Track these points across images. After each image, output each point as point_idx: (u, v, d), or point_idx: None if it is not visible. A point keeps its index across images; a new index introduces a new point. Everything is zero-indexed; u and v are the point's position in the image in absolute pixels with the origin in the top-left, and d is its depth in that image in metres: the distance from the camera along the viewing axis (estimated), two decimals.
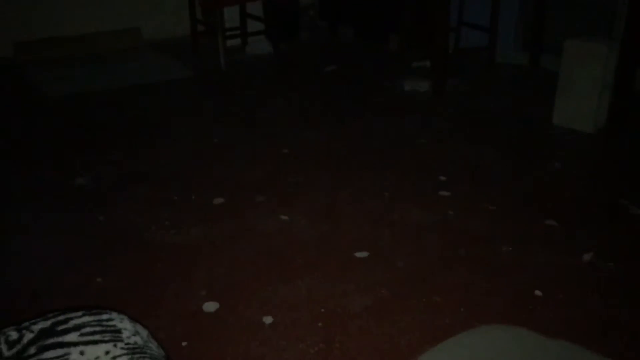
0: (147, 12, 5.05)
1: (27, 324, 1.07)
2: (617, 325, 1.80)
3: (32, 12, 4.59)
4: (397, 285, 1.99)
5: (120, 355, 1.01)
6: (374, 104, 3.79)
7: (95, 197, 2.60)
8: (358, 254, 2.17)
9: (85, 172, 2.80)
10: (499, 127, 3.38)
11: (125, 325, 1.10)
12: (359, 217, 2.44)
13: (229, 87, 4.17)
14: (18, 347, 1.01)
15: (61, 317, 1.08)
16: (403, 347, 1.71)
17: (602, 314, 1.85)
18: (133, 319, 1.16)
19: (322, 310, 1.87)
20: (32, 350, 1.00)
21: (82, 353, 1.00)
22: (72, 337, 1.03)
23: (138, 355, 1.03)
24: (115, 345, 1.03)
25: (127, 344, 1.04)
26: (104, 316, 1.11)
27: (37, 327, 1.05)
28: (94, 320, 1.08)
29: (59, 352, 1.00)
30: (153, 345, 1.13)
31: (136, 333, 1.10)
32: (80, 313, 1.10)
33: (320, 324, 1.81)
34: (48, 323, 1.06)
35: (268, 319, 1.83)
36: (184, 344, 1.73)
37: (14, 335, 1.04)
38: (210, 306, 1.90)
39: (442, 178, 2.74)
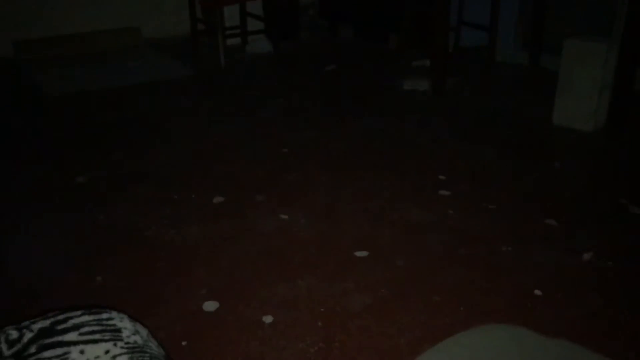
0: (147, 11, 5.05)
1: (27, 323, 1.07)
2: (617, 325, 1.80)
3: (31, 11, 4.59)
4: (396, 284, 2.00)
5: (120, 355, 1.01)
6: (374, 103, 3.79)
7: (95, 196, 2.60)
8: (358, 253, 2.17)
9: (85, 171, 2.80)
10: (498, 127, 3.38)
11: (125, 324, 1.10)
12: (359, 216, 2.44)
13: (229, 87, 4.17)
14: (18, 346, 1.01)
15: (61, 317, 1.08)
16: (403, 346, 1.71)
17: (601, 313, 1.86)
18: (133, 318, 1.16)
19: (322, 309, 1.87)
20: (32, 349, 1.00)
21: (82, 352, 1.00)
22: (71, 336, 1.03)
23: (138, 355, 1.03)
24: (115, 345, 1.03)
25: (127, 343, 1.04)
26: (104, 315, 1.11)
27: (37, 326, 1.05)
28: (94, 320, 1.08)
29: (59, 351, 1.00)
30: (153, 345, 1.13)
31: (136, 332, 1.10)
32: (79, 312, 1.10)
33: (320, 323, 1.81)
34: (48, 322, 1.06)
35: (268, 318, 1.83)
36: (183, 343, 1.73)
37: (14, 334, 1.04)
38: (210, 305, 1.90)
39: (442, 177, 2.74)
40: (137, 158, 2.99)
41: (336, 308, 1.88)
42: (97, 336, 1.04)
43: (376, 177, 2.76)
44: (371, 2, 5.09)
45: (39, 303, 1.88)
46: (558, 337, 1.73)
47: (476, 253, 2.17)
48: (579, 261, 2.11)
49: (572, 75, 3.23)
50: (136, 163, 2.93)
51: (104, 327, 1.07)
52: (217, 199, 2.56)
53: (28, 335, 1.03)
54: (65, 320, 1.07)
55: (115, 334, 1.06)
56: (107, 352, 1.01)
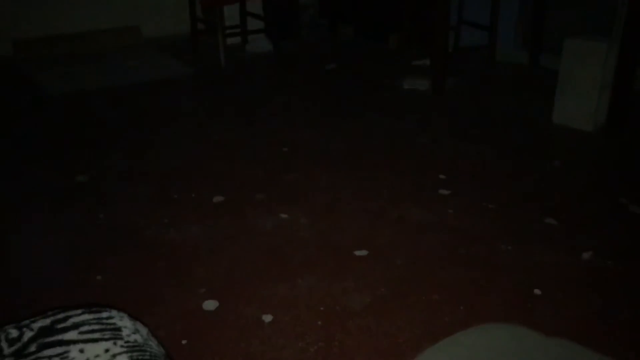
0: (147, 11, 5.06)
1: (27, 322, 1.07)
2: (617, 324, 1.80)
3: (31, 10, 4.59)
4: (396, 283, 2.00)
5: (120, 353, 1.01)
6: (374, 102, 3.79)
7: (95, 195, 2.60)
8: (357, 253, 2.17)
9: (85, 170, 2.81)
10: (498, 126, 3.38)
11: (125, 323, 1.10)
12: (359, 215, 2.44)
13: (229, 86, 4.17)
14: (18, 344, 1.01)
15: (61, 315, 1.08)
16: (402, 345, 1.72)
17: (601, 312, 1.86)
18: (133, 317, 1.16)
19: (322, 308, 1.87)
20: (32, 348, 1.00)
21: (81, 351, 1.00)
22: (71, 335, 1.03)
23: (138, 353, 1.03)
24: (115, 344, 1.03)
25: (127, 342, 1.04)
26: (104, 314, 1.11)
27: (37, 325, 1.05)
28: (94, 319, 1.08)
29: (59, 350, 1.00)
30: (153, 344, 1.13)
31: (136, 331, 1.10)
32: (79, 311, 1.10)
33: (319, 322, 1.81)
34: (48, 321, 1.06)
35: (268, 317, 1.83)
36: (183, 342, 1.73)
37: (14, 333, 1.04)
38: (210, 304, 1.90)
39: (442, 177, 2.74)
40: (137, 157, 2.99)
41: (336, 307, 1.88)
42: (97, 335, 1.04)
43: (376, 176, 2.76)
44: (371, 2, 5.09)
45: (39, 302, 1.88)
46: (557, 336, 1.73)
47: (476, 252, 2.17)
48: (578, 260, 2.11)
49: (572, 75, 3.23)
50: (136, 162, 2.93)
51: (104, 326, 1.07)
52: (217, 198, 2.56)
53: (28, 334, 1.03)
54: (65, 319, 1.07)
55: (115, 332, 1.06)
56: (107, 350, 1.01)
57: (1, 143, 3.20)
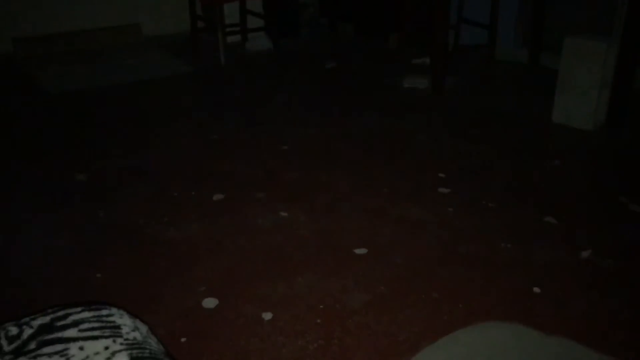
0: (147, 8, 5.05)
1: (26, 319, 1.07)
2: (616, 322, 1.80)
3: (31, 8, 4.59)
4: (395, 281, 2.00)
5: (119, 351, 1.01)
6: (374, 101, 3.79)
7: (95, 193, 2.60)
8: (357, 251, 2.17)
9: (85, 168, 2.81)
10: (498, 125, 3.38)
11: (124, 321, 1.10)
12: (358, 214, 2.44)
13: (229, 84, 4.17)
14: (18, 342, 1.01)
15: (60, 313, 1.08)
16: (402, 343, 1.72)
17: (600, 311, 1.86)
18: (132, 314, 1.16)
19: (321, 306, 1.88)
20: (32, 345, 1.00)
21: (81, 348, 1.00)
22: (71, 332, 1.03)
23: (137, 351, 1.03)
24: (114, 341, 1.03)
25: (127, 339, 1.05)
26: (104, 312, 1.11)
27: (36, 323, 1.05)
28: (94, 316, 1.09)
29: (58, 347, 1.00)
30: (152, 341, 1.13)
31: (135, 329, 1.10)
32: (79, 309, 1.10)
33: (319, 320, 1.81)
34: (47, 318, 1.07)
35: (267, 315, 1.84)
36: (183, 339, 1.73)
37: (13, 330, 1.04)
38: (210, 302, 1.90)
39: (442, 175, 2.75)
40: (137, 155, 2.99)
41: (335, 305, 1.88)
42: (96, 332, 1.04)
43: (376, 174, 2.76)
44: (371, 0, 5.09)
45: (39, 299, 1.88)
46: (556, 334, 1.73)
47: (475, 251, 2.17)
48: (578, 259, 2.12)
49: (572, 74, 3.23)
50: (136, 160, 2.93)
51: (103, 324, 1.07)
52: (217, 196, 2.56)
53: (28, 331, 1.04)
54: (65, 317, 1.07)
55: (114, 330, 1.06)
56: (106, 348, 1.01)
57: (1, 141, 3.19)
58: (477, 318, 1.81)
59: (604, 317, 1.83)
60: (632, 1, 3.04)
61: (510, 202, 2.52)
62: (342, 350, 1.69)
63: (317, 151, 3.03)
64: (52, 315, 1.07)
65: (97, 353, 1.00)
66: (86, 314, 1.08)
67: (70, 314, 1.08)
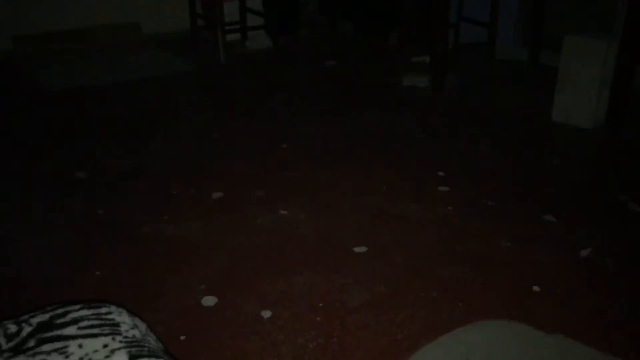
0: (147, 7, 5.04)
1: (25, 317, 1.07)
2: (615, 321, 1.81)
3: (31, 5, 4.58)
4: (395, 280, 2.00)
5: (118, 349, 1.01)
6: (373, 99, 3.78)
7: (94, 190, 2.60)
8: (357, 249, 2.17)
9: (84, 166, 2.80)
10: (497, 123, 3.38)
11: (123, 318, 1.10)
12: (358, 212, 2.44)
13: (229, 82, 4.17)
14: (17, 340, 1.01)
15: (60, 311, 1.08)
16: (401, 341, 1.72)
17: (600, 309, 1.86)
18: (132, 312, 1.16)
19: (321, 304, 1.88)
20: (31, 343, 1.00)
21: (80, 346, 1.00)
22: (70, 330, 1.03)
23: (136, 349, 1.03)
24: (113, 339, 1.03)
25: (126, 337, 1.05)
26: (103, 309, 1.11)
27: (35, 320, 1.05)
28: (93, 314, 1.09)
29: (57, 345, 1.00)
30: (151, 339, 1.13)
31: (135, 326, 1.10)
32: (78, 306, 1.10)
33: (318, 319, 1.81)
34: (46, 316, 1.07)
35: (267, 313, 1.84)
36: (182, 337, 1.73)
37: (12, 328, 1.04)
38: (209, 300, 1.90)
39: (441, 173, 2.74)
40: (136, 153, 2.98)
41: (335, 303, 1.88)
42: (95, 330, 1.04)
43: (375, 173, 2.76)
44: None
45: (38, 297, 1.88)
46: (555, 332, 1.73)
47: (475, 249, 2.17)
48: (577, 257, 2.12)
49: (572, 72, 3.23)
50: (135, 158, 2.93)
51: (102, 322, 1.07)
52: (217, 195, 2.56)
53: (27, 329, 1.03)
54: (64, 315, 1.07)
55: (113, 328, 1.06)
56: (105, 346, 1.01)
57: (1, 138, 3.19)
58: (476, 316, 1.81)
59: (603, 316, 1.83)
60: (632, 0, 3.04)
61: (510, 201, 2.52)
62: (341, 349, 1.69)
63: (317, 149, 3.03)
64: (51, 313, 1.07)
65: (96, 351, 1.00)
66: (85, 312, 1.08)
67: (69, 312, 1.08)
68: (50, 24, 4.66)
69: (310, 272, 2.04)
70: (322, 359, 1.66)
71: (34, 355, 0.97)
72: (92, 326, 1.05)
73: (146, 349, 1.04)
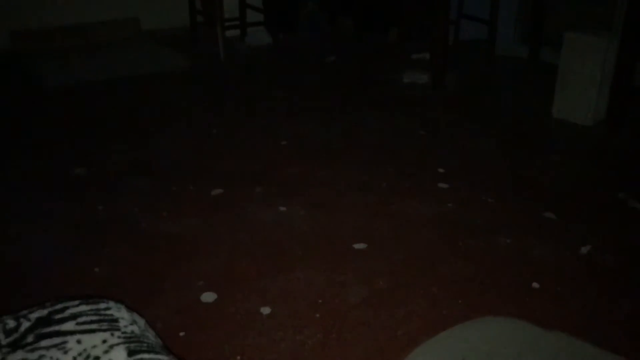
0: (146, 3, 5.03)
1: (24, 312, 1.07)
2: (614, 317, 1.80)
3: (30, 2, 4.57)
4: (395, 276, 2.00)
5: (117, 344, 1.01)
6: (373, 96, 3.78)
7: (94, 187, 2.60)
8: (356, 246, 2.17)
9: (83, 163, 2.80)
10: (497, 120, 3.38)
11: (122, 314, 1.10)
12: (358, 208, 2.43)
13: (228, 78, 4.16)
14: (15, 335, 1.01)
15: (58, 306, 1.08)
16: (401, 338, 1.72)
17: (599, 306, 1.86)
18: (130, 308, 1.16)
19: (320, 301, 1.87)
20: (30, 338, 1.00)
21: (79, 342, 1.00)
22: (69, 325, 1.03)
23: (135, 344, 1.02)
24: (112, 334, 1.03)
25: (124, 332, 1.04)
26: (102, 305, 1.11)
27: (34, 316, 1.05)
28: (91, 310, 1.08)
29: (56, 340, 1.00)
30: (150, 335, 1.13)
31: (133, 322, 1.10)
32: (77, 302, 1.10)
33: (318, 315, 1.81)
34: (45, 312, 1.06)
35: (266, 310, 1.83)
36: (181, 334, 1.73)
37: (11, 323, 1.03)
38: (208, 296, 1.90)
39: (441, 170, 2.74)
40: (135, 150, 2.98)
41: (334, 300, 1.88)
42: (94, 326, 1.04)
43: (375, 169, 2.76)
44: None
45: (37, 293, 1.88)
46: (555, 328, 1.73)
47: (475, 246, 2.17)
48: (577, 254, 2.11)
49: (572, 70, 3.22)
50: (135, 155, 2.92)
51: (101, 317, 1.07)
52: (216, 191, 2.56)
53: (25, 324, 1.03)
54: (62, 310, 1.07)
55: (112, 323, 1.06)
56: (104, 341, 1.01)
57: (0, 135, 3.19)
58: (476, 313, 1.81)
59: (603, 313, 1.83)
60: None
61: (510, 197, 2.51)
62: (340, 345, 1.69)
63: (316, 146, 3.02)
64: (49, 309, 1.07)
65: (94, 346, 1.00)
66: (84, 308, 1.08)
67: (68, 308, 1.08)
68: (49, 19, 4.65)
69: (310, 268, 2.04)
70: (321, 355, 1.66)
71: (32, 350, 0.97)
72: (90, 322, 1.04)
73: (145, 344, 1.04)
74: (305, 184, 2.63)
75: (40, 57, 4.41)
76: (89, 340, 1.00)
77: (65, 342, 0.99)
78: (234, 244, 2.19)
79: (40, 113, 3.48)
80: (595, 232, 2.25)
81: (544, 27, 4.21)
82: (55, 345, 0.99)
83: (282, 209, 2.42)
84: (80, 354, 0.98)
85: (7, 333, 1.01)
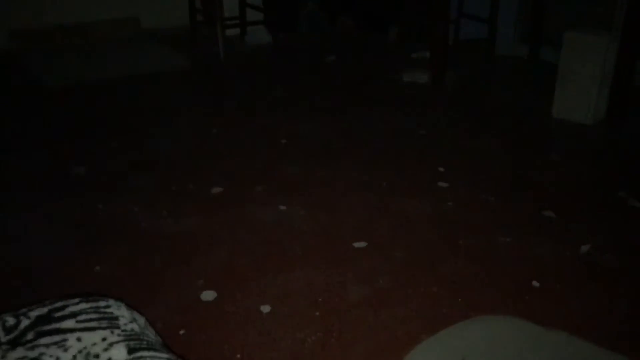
0: (146, 2, 5.02)
1: (24, 310, 1.07)
2: (614, 316, 1.80)
3: (30, 1, 4.56)
4: (395, 275, 2.00)
5: (117, 342, 1.01)
6: (373, 95, 3.78)
7: (94, 186, 2.60)
8: (356, 244, 2.17)
9: (83, 162, 2.79)
10: (498, 119, 3.37)
11: (122, 312, 1.10)
12: (358, 207, 2.43)
13: (228, 77, 4.16)
14: (15, 332, 1.01)
15: (58, 304, 1.08)
16: (401, 336, 1.72)
17: (599, 304, 1.86)
18: (130, 306, 1.16)
19: (320, 299, 1.87)
20: (29, 336, 1.00)
21: (78, 339, 1.00)
22: (69, 323, 1.03)
23: (135, 342, 1.02)
24: (112, 332, 1.03)
25: (124, 330, 1.04)
26: (101, 303, 1.10)
27: (34, 314, 1.05)
28: (91, 307, 1.08)
29: (56, 338, 1.00)
30: (150, 333, 1.13)
31: (133, 320, 1.10)
32: (77, 300, 1.10)
33: (317, 314, 1.81)
34: (45, 309, 1.06)
35: (266, 308, 1.83)
36: (181, 332, 1.73)
37: (11, 321, 1.03)
38: (208, 295, 1.89)
39: (441, 169, 2.74)
40: (135, 149, 2.98)
41: (334, 298, 1.88)
42: (94, 324, 1.04)
43: (375, 168, 2.76)
44: None
45: (37, 291, 1.88)
46: (554, 327, 1.73)
47: (475, 245, 2.17)
48: (577, 253, 2.11)
49: (572, 69, 3.22)
50: (135, 154, 2.92)
51: (101, 315, 1.07)
52: (216, 190, 2.56)
53: (25, 322, 1.03)
54: (62, 308, 1.07)
55: (112, 321, 1.06)
56: (104, 339, 1.01)
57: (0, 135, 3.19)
58: (476, 311, 1.81)
59: (602, 311, 1.83)
60: None
61: (510, 196, 2.51)
62: (340, 344, 1.69)
63: (316, 145, 3.02)
64: (49, 307, 1.07)
65: (94, 344, 1.00)
66: (84, 306, 1.08)
67: (67, 305, 1.08)
68: (48, 18, 4.65)
69: (310, 267, 2.04)
70: (321, 354, 1.66)
71: (32, 348, 0.97)
72: (90, 319, 1.04)
73: (145, 342, 1.04)
74: (306, 183, 2.63)
75: (39, 56, 4.41)
76: (88, 337, 1.00)
77: (65, 340, 0.99)
78: (234, 243, 2.19)
79: (40, 112, 3.48)
80: (595, 231, 2.25)
81: (544, 26, 4.20)
82: (55, 343, 0.98)
83: (282, 207, 2.42)
84: (80, 352, 0.98)
85: (7, 330, 1.01)
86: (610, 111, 3.23)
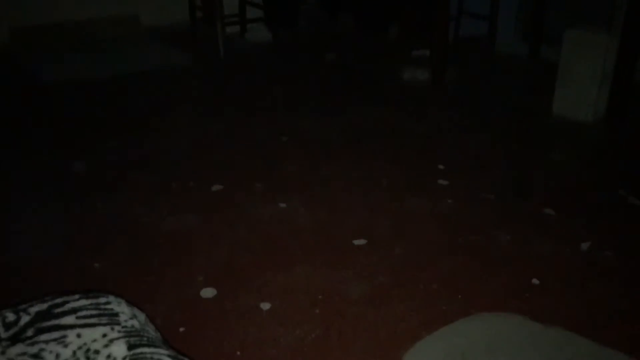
0: None
1: (24, 306, 1.07)
2: (614, 314, 1.80)
3: None
4: (394, 272, 2.00)
5: (117, 338, 1.01)
6: (374, 92, 3.77)
7: (93, 183, 2.59)
8: (356, 242, 2.17)
9: (82, 160, 2.79)
10: (498, 117, 3.37)
11: (122, 308, 1.10)
12: (358, 205, 2.43)
13: (228, 75, 4.15)
14: (15, 328, 1.01)
15: (58, 300, 1.08)
16: (400, 334, 1.72)
17: (599, 302, 1.86)
18: (130, 303, 1.16)
19: (320, 296, 1.87)
20: (29, 332, 1.00)
21: (78, 336, 1.00)
22: (69, 319, 1.03)
23: (135, 339, 1.02)
24: (112, 329, 1.02)
25: (124, 327, 1.04)
26: (102, 299, 1.10)
27: (34, 310, 1.05)
28: (91, 304, 1.08)
29: (56, 334, 0.99)
30: (150, 329, 1.12)
31: (133, 317, 1.10)
32: (77, 296, 1.10)
33: (317, 311, 1.81)
34: (45, 306, 1.06)
35: (266, 305, 1.83)
36: (181, 329, 1.73)
37: (10, 317, 1.03)
38: (208, 292, 1.90)
39: (441, 167, 2.74)
40: (135, 146, 2.97)
41: (334, 296, 1.88)
42: (94, 320, 1.04)
43: (375, 166, 2.76)
44: None
45: (37, 289, 1.88)
46: (554, 325, 1.73)
47: (474, 242, 2.17)
48: (577, 251, 2.11)
49: (572, 66, 3.22)
50: (134, 151, 2.92)
51: (101, 311, 1.07)
52: (216, 187, 2.56)
53: (25, 318, 1.03)
54: (62, 304, 1.07)
55: (112, 318, 1.06)
56: (104, 335, 1.01)
57: None
58: (476, 309, 1.81)
59: (602, 309, 1.83)
60: None
61: (510, 194, 2.51)
62: (340, 341, 1.69)
63: (316, 142, 3.02)
64: (49, 303, 1.07)
65: (94, 340, 1.00)
66: (84, 302, 1.08)
67: (67, 302, 1.07)
68: (48, 15, 4.64)
69: (310, 264, 2.04)
70: (321, 351, 1.66)
71: (32, 344, 0.97)
72: (90, 316, 1.04)
73: (145, 338, 1.04)
74: (305, 181, 2.62)
75: (39, 53, 4.40)
76: (89, 334, 1.00)
77: (65, 336, 0.99)
78: (234, 240, 2.19)
79: (39, 110, 3.48)
80: (595, 229, 2.25)
81: (544, 24, 4.20)
82: (55, 339, 0.98)
83: (282, 205, 2.42)
84: (80, 348, 0.98)
85: (7, 326, 1.01)
86: (610, 109, 3.23)
